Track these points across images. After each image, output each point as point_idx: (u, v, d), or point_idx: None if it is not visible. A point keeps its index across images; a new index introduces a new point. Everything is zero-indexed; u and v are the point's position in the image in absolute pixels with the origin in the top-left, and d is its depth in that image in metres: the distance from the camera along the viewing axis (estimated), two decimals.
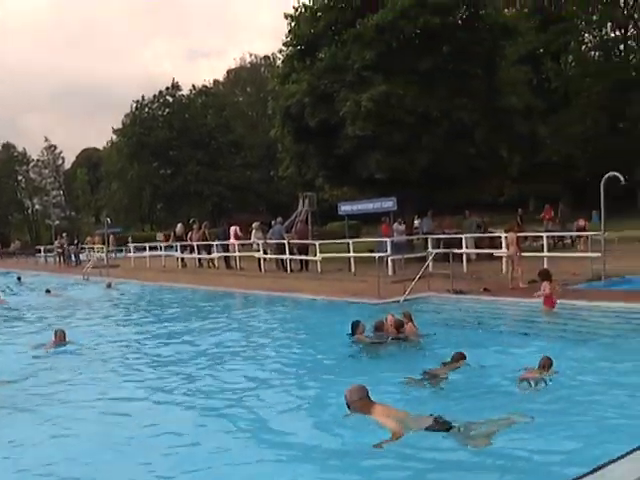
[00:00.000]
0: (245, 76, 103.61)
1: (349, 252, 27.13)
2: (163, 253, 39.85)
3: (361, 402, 7.78)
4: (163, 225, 76.95)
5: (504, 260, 22.69)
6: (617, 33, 64.33)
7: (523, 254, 20.80)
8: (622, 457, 5.75)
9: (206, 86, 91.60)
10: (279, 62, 49.96)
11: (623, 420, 7.75)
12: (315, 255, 28.04)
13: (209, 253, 34.89)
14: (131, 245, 44.28)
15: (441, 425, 7.35)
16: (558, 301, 15.42)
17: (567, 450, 6.96)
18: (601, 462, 5.66)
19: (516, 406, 8.43)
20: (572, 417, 8.01)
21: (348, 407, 7.92)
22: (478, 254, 26.89)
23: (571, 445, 7.08)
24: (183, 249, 36.91)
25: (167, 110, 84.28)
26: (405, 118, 28.18)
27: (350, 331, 12.90)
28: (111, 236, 41.19)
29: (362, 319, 13.16)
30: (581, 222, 29.31)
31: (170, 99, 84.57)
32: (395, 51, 29.62)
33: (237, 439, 8.10)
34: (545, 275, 15.67)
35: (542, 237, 24.00)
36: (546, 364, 9.74)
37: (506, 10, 54.52)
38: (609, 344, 11.93)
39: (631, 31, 63.51)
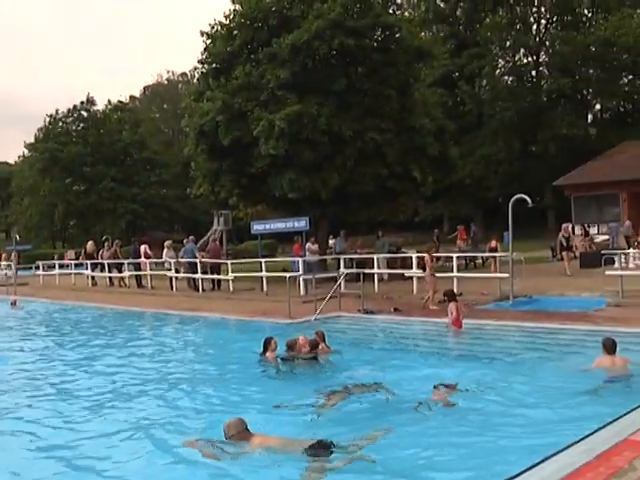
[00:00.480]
0: (162, 92, 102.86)
1: (261, 271, 26.95)
2: (73, 271, 38.88)
3: (239, 435, 7.79)
4: (76, 243, 75.38)
5: (415, 280, 22.90)
6: (529, 59, 66.04)
7: (436, 274, 21.01)
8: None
9: (122, 101, 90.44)
10: (195, 80, 49.56)
11: (522, 439, 7.77)
12: (227, 274, 27.77)
13: (120, 271, 34.22)
14: (40, 263, 43.06)
15: (322, 448, 7.27)
16: (465, 321, 15.59)
17: (466, 469, 6.99)
18: None
19: (419, 426, 8.45)
20: (474, 437, 8.04)
21: (226, 439, 7.87)
22: (390, 274, 27.04)
23: (470, 465, 7.11)
24: (94, 267, 36.10)
25: (82, 125, 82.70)
26: (318, 138, 28.20)
27: (262, 348, 12.73)
28: (13, 253, 39.91)
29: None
30: (493, 243, 29.75)
31: (85, 114, 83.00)
32: (310, 71, 29.65)
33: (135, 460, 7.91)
34: (450, 296, 15.87)
35: (454, 257, 24.26)
36: (452, 386, 9.76)
37: (422, 34, 55.40)
38: (514, 363, 12.09)
39: (543, 57, 65.25)
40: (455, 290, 20.55)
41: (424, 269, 21.01)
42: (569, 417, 8.43)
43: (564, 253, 27.08)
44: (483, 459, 7.19)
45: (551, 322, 15.61)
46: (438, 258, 26.70)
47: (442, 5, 67.92)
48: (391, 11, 34.91)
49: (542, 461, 6.23)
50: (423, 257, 21.52)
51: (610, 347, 10.43)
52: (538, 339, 14.16)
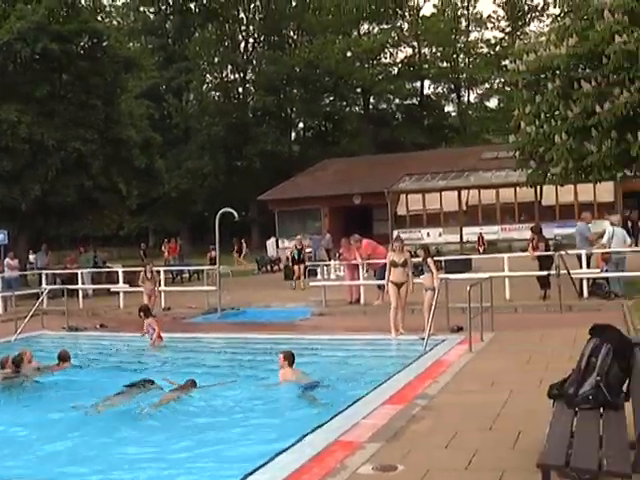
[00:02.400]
0: None
1: None
2: None
3: None
4: None
5: (121, 295, 22.43)
6: (237, 76, 67.62)
7: (140, 289, 20.70)
8: None
9: None
10: None
11: (235, 449, 7.75)
12: None
13: None
14: None
15: None
16: (171, 334, 15.54)
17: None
18: None
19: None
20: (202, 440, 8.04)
21: None
22: (95, 289, 26.28)
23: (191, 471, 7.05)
24: None
25: None
26: (18, 146, 26.90)
27: None
28: None
29: None
30: (213, 253, 29.92)
31: None
32: (10, 74, 28.31)
33: None
34: (145, 311, 15.67)
35: (162, 272, 24.03)
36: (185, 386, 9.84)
37: (131, 44, 54.81)
38: (218, 374, 12.01)
39: (249, 75, 67.16)
40: (163, 304, 20.53)
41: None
42: (276, 426, 8.52)
43: (297, 267, 25.57)
44: (203, 466, 7.15)
45: (258, 333, 15.92)
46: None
47: (152, 17, 67.49)
48: (100, 18, 34.23)
49: (259, 468, 6.27)
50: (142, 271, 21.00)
51: (290, 359, 10.66)
52: (243, 349, 14.37)
